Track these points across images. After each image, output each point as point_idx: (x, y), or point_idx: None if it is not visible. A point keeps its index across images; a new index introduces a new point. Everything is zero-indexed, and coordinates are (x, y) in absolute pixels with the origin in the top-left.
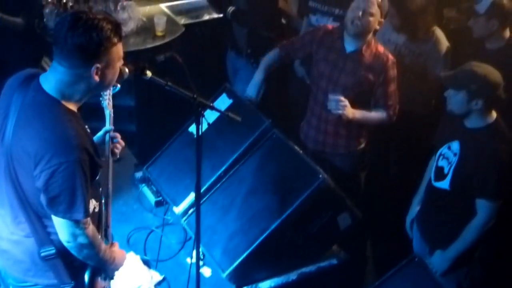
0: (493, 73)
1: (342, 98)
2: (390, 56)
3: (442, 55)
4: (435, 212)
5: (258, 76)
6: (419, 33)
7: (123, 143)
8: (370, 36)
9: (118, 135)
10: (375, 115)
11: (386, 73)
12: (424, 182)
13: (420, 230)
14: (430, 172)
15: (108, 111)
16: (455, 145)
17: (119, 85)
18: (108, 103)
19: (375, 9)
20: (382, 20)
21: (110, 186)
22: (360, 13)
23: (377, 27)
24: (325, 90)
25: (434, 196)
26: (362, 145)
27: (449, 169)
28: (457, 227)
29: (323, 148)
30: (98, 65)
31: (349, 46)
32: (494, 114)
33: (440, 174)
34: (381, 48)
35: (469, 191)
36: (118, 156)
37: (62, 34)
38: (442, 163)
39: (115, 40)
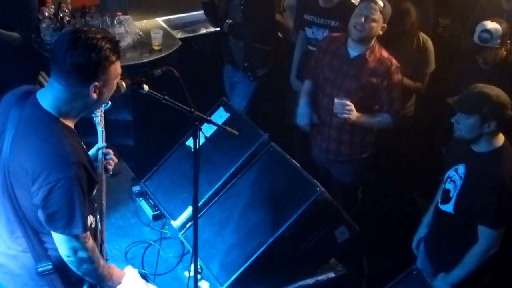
0: (503, 93)
1: (348, 102)
2: (394, 61)
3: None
4: (440, 235)
5: (305, 105)
6: None
7: (116, 160)
8: (373, 41)
9: (111, 152)
10: (380, 119)
11: (390, 77)
12: (434, 203)
13: (426, 251)
14: (439, 195)
15: (101, 128)
16: (462, 168)
17: (109, 102)
18: (101, 120)
19: (377, 15)
20: (385, 25)
21: (103, 202)
22: (363, 19)
23: (380, 32)
24: (329, 95)
25: (440, 219)
26: (365, 154)
27: (454, 193)
28: (461, 252)
29: (326, 155)
30: (96, 83)
31: (353, 51)
32: (502, 138)
33: (446, 197)
34: (385, 53)
35: (471, 216)
36: (111, 173)
37: (60, 53)
38: (449, 186)
39: (114, 58)
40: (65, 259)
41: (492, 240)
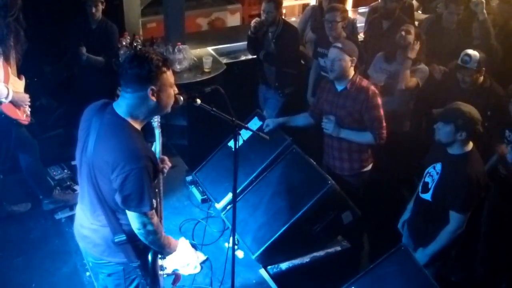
0: (475, 112)
1: (331, 117)
2: (372, 88)
3: None
4: (421, 218)
5: (280, 121)
6: None
7: (169, 164)
8: (351, 75)
9: (166, 158)
10: (361, 134)
11: (368, 101)
12: (415, 194)
13: (408, 230)
14: (419, 186)
15: (158, 131)
16: (438, 166)
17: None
18: (158, 125)
19: (342, 56)
20: (355, 58)
21: (161, 190)
22: (330, 63)
23: (352, 66)
24: None
25: (419, 205)
26: (366, 169)
27: (432, 185)
28: (435, 231)
29: (334, 170)
30: (153, 87)
31: (339, 86)
32: (471, 145)
33: (425, 188)
34: (364, 83)
35: (444, 203)
36: (165, 174)
37: (124, 69)
38: (428, 179)
39: (164, 68)
40: (136, 231)
41: (461, 222)
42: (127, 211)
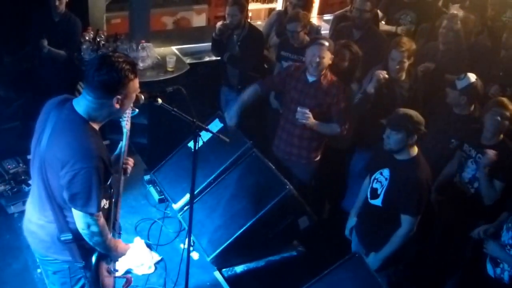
0: (417, 113)
1: (307, 111)
2: (341, 83)
3: None
4: (371, 224)
5: (235, 108)
6: None
7: (132, 165)
8: (325, 70)
9: (130, 159)
10: (330, 126)
11: (337, 95)
12: (359, 199)
13: (358, 236)
14: (365, 192)
15: (125, 130)
16: (386, 172)
17: (137, 110)
18: (127, 123)
19: (325, 53)
20: (332, 56)
21: (121, 190)
22: (316, 58)
23: (329, 62)
24: (294, 110)
25: (370, 211)
26: (317, 158)
27: (382, 191)
28: (387, 235)
29: (289, 157)
30: (118, 96)
31: (310, 77)
32: (416, 149)
33: (374, 194)
34: (334, 78)
35: (396, 208)
36: (128, 174)
37: (91, 73)
38: (376, 185)
39: (132, 77)
40: (80, 231)
41: (412, 225)
42: (73, 209)
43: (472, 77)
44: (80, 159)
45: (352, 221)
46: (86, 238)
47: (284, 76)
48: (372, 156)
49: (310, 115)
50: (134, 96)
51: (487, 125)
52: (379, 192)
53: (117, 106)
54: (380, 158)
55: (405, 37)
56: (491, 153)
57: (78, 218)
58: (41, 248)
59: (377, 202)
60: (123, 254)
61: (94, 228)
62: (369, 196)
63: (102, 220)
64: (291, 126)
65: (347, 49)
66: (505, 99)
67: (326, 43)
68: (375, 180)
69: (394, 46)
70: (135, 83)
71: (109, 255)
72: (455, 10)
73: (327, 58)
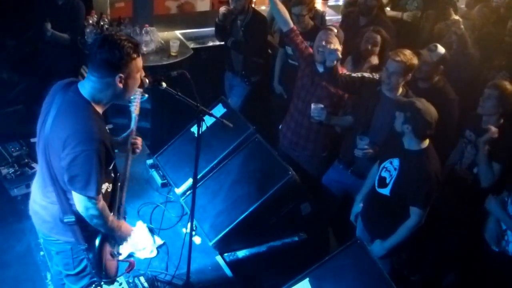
0: (430, 113)
1: (323, 106)
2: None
3: None
4: (377, 211)
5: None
6: None
7: (141, 144)
8: (336, 61)
9: (139, 139)
10: (345, 119)
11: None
12: (366, 185)
13: (363, 222)
14: (373, 179)
15: (134, 115)
16: (396, 162)
17: (146, 95)
18: (135, 108)
19: (334, 39)
20: (341, 46)
21: (127, 174)
22: (323, 42)
23: (339, 50)
24: (304, 99)
25: (377, 199)
26: (325, 153)
27: (390, 180)
28: (393, 224)
29: (295, 148)
30: (121, 74)
31: (320, 67)
32: (427, 142)
33: (382, 182)
34: (344, 69)
35: (404, 199)
36: (138, 153)
37: (93, 52)
38: (385, 174)
39: (134, 55)
40: (81, 213)
41: (421, 217)
42: (72, 191)
43: (441, 47)
44: (82, 142)
45: (357, 207)
46: (87, 219)
47: (306, 49)
48: (385, 144)
49: (325, 112)
50: (138, 77)
51: (486, 107)
52: (387, 181)
53: (120, 85)
54: (391, 147)
55: (408, 50)
56: (492, 129)
57: (77, 201)
58: (44, 228)
59: (385, 191)
60: (127, 234)
61: (93, 211)
62: (377, 184)
63: (101, 203)
64: (299, 115)
65: (378, 34)
66: (505, 82)
67: (335, 30)
68: (384, 169)
69: (391, 55)
70: (138, 63)
71: (113, 235)
72: None
73: (337, 45)
